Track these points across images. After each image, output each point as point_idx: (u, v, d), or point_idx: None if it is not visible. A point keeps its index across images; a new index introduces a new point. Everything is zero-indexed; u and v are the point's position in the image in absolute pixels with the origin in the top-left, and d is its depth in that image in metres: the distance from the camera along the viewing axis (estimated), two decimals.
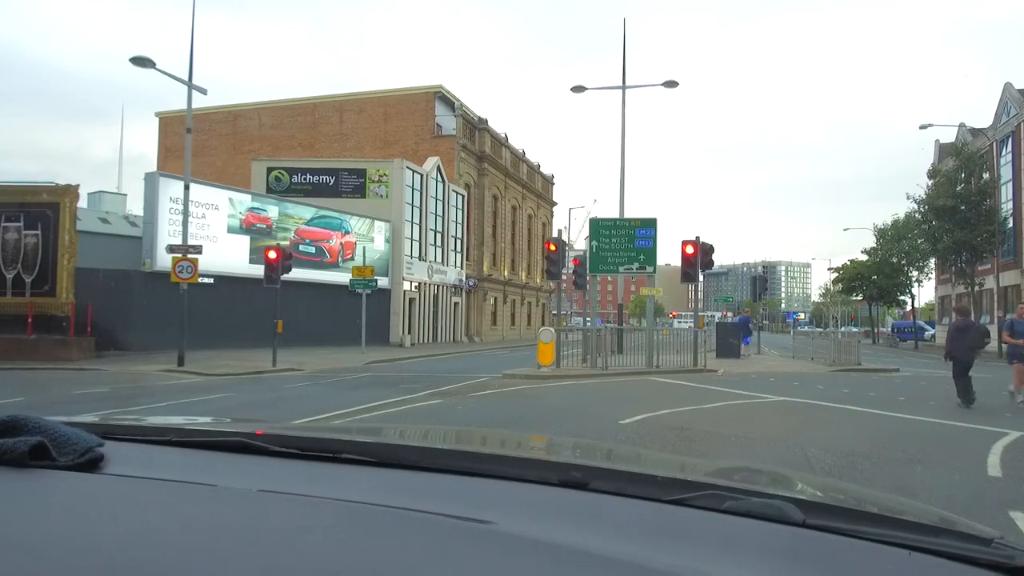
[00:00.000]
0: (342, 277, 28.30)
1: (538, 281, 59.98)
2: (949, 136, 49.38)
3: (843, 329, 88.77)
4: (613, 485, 1.02)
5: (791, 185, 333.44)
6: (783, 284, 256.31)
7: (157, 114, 49.60)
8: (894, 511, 1.00)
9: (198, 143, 46.19)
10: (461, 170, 42.89)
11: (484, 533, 0.80)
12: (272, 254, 18.93)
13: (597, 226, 17.46)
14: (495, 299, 48.08)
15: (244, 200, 26.80)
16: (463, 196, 42.33)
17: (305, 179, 34.44)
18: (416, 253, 35.70)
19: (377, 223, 32.67)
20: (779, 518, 0.87)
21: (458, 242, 41.52)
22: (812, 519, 0.86)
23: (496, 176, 47.98)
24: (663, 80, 25.91)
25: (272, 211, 27.82)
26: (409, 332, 34.17)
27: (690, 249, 17.72)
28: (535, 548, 0.75)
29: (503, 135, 49.88)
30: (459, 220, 41.74)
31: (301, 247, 28.86)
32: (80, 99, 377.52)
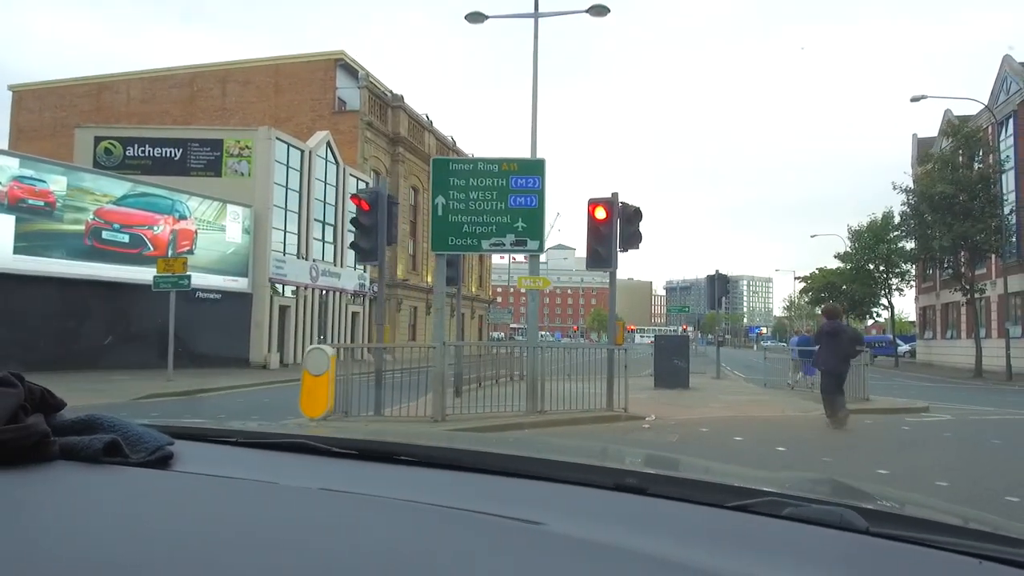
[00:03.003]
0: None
1: (473, 290, 52.80)
2: (932, 129, 43.78)
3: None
4: (669, 490, 1.00)
5: (752, 205, 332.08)
6: (745, 299, 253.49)
7: (11, 87, 41.44)
8: (964, 520, 0.98)
9: (55, 120, 38.35)
10: (367, 152, 35.61)
11: (535, 533, 0.79)
12: None
13: (445, 172, 10.36)
14: (414, 309, 40.69)
15: (9, 166, 19.13)
16: (368, 184, 34.93)
17: (144, 152, 26.83)
18: (292, 249, 28.23)
19: (231, 207, 25.15)
20: (841, 525, 0.84)
21: None
22: (876, 527, 0.83)
23: (415, 164, 40.68)
24: (588, 6, 19.16)
25: (58, 183, 20.17)
26: (279, 349, 26.65)
27: (601, 212, 10.74)
28: (587, 549, 0.74)
29: (425, 117, 42.73)
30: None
31: (106, 234, 21.27)
32: None
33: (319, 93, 36.12)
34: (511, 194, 10.21)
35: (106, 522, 0.77)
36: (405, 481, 1.05)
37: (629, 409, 10.70)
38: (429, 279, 42.57)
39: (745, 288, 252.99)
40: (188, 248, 23.60)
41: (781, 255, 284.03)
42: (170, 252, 22.30)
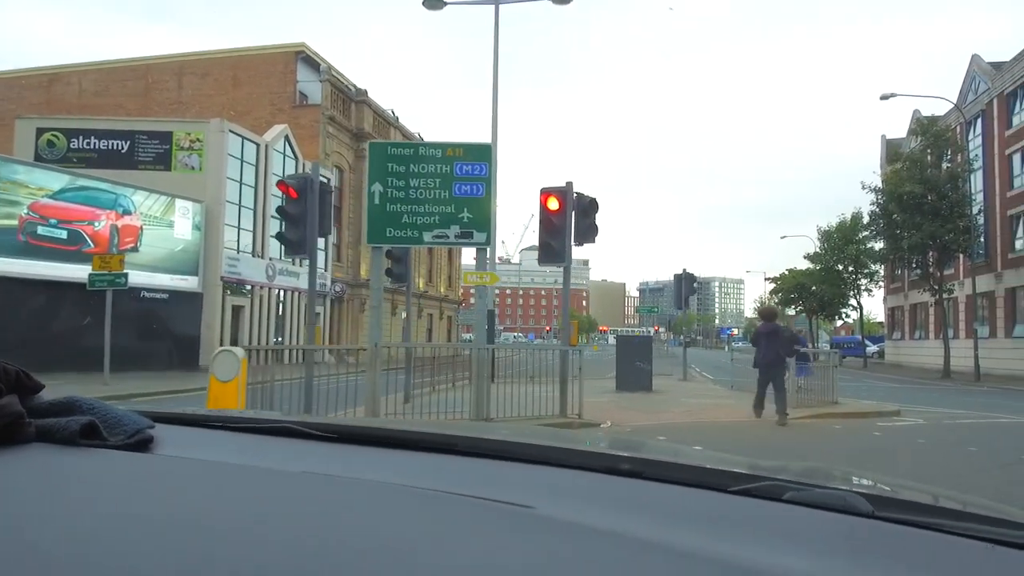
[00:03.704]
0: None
1: (442, 290, 51.90)
2: (901, 130, 43.75)
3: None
4: (666, 474, 0.99)
5: (725, 206, 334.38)
6: (717, 300, 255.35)
7: None
8: (973, 506, 0.95)
9: (2, 112, 36.82)
10: (329, 148, 34.52)
11: (524, 516, 0.78)
12: None
13: (383, 156, 9.46)
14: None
15: None
16: (330, 181, 33.84)
17: (89, 144, 25.54)
18: (247, 246, 27.11)
19: (181, 203, 23.98)
20: (845, 508, 0.82)
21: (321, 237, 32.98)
22: (881, 511, 0.81)
23: None
24: None
25: None
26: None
27: (553, 203, 9.94)
28: (579, 533, 0.73)
29: (391, 113, 41.73)
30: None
31: (42, 230, 20.05)
32: None
33: (279, 86, 34.99)
34: (456, 182, 9.40)
35: (83, 505, 0.75)
36: (389, 465, 1.03)
37: (584, 414, 9.93)
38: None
39: (717, 289, 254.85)
40: (132, 245, 22.44)
41: (752, 256, 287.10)
42: (113, 249, 21.12)
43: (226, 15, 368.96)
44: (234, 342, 25.95)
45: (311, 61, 35.71)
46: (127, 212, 22.50)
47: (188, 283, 24.19)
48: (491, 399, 9.71)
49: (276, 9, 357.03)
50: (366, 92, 38.07)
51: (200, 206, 24.63)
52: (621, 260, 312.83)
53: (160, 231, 23.40)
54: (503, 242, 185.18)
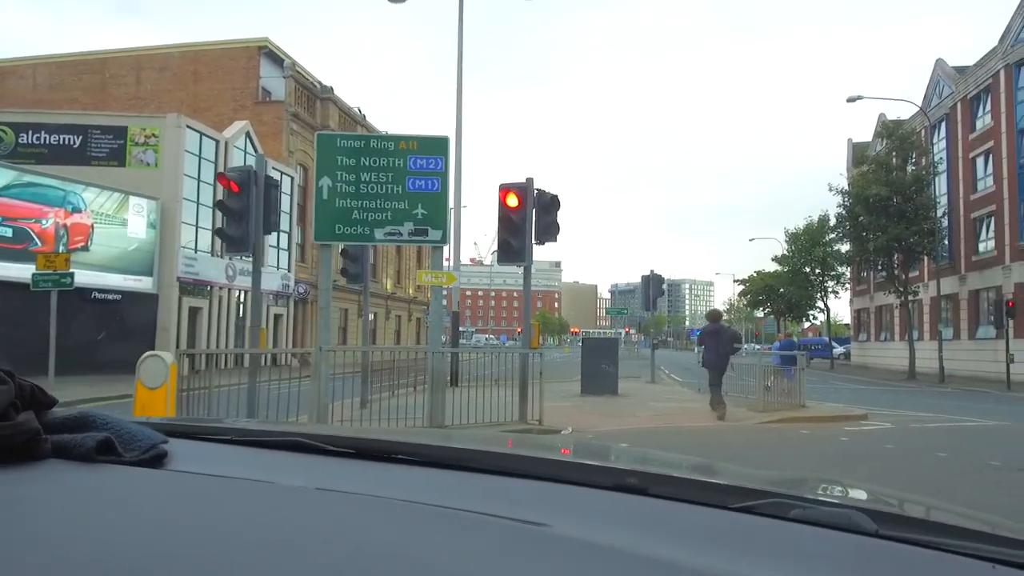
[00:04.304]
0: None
1: (411, 292, 51.23)
2: (867, 134, 44.07)
3: (746, 346, 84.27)
4: (673, 491, 0.99)
5: (696, 208, 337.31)
6: (687, 302, 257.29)
7: None
8: (978, 523, 0.96)
9: None
10: (292, 145, 33.76)
11: (540, 536, 0.78)
12: None
13: (331, 149, 8.94)
14: (344, 311, 38.89)
15: None
16: (294, 179, 33.10)
17: (39, 139, 24.52)
18: (205, 246, 26.26)
19: (135, 200, 23.13)
20: (849, 527, 0.83)
21: (284, 236, 32.20)
22: (885, 529, 0.81)
23: None
24: None
25: None
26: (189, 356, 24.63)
27: (513, 200, 9.50)
28: (593, 551, 0.74)
29: (358, 111, 41.01)
30: (286, 209, 32.39)
31: None
32: None
33: (241, 82, 34.13)
34: (410, 176, 8.92)
35: (100, 521, 0.76)
36: (403, 481, 1.04)
37: (545, 420, 9.51)
38: None
39: (688, 291, 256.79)
40: (83, 244, 21.58)
41: (723, 258, 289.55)
42: (61, 248, 20.25)
43: (194, 12, 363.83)
44: (191, 345, 25.13)
45: (275, 57, 34.93)
46: (77, 209, 21.61)
47: (142, 284, 23.33)
48: (450, 404, 9.27)
49: (244, 6, 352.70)
50: (332, 89, 37.34)
51: (156, 203, 23.79)
52: (594, 262, 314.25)
53: (113, 229, 22.53)
54: (475, 243, 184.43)
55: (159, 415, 6.79)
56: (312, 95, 36.28)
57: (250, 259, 28.52)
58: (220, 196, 22.00)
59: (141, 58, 35.27)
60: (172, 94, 34.01)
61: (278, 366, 27.66)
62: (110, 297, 22.15)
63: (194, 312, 25.59)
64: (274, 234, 31.88)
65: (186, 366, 24.02)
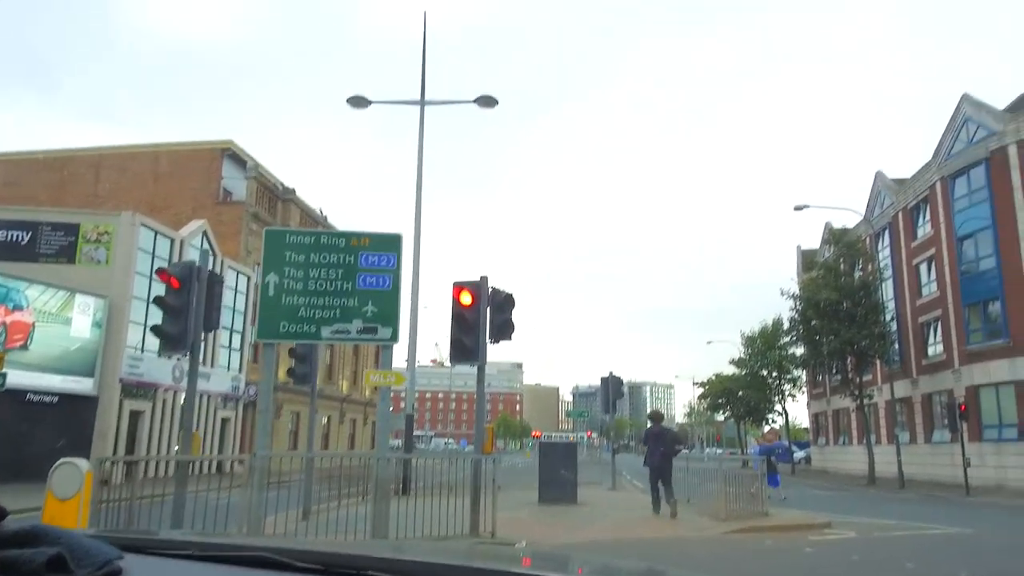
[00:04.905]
0: None
1: (366, 394, 50.04)
2: (815, 241, 45.74)
3: (707, 451, 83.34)
4: None
5: (653, 311, 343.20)
6: (649, 405, 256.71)
7: None
8: None
9: None
10: (251, 245, 33.50)
11: None
12: None
13: (280, 245, 8.72)
14: (296, 415, 37.62)
15: None
16: (251, 279, 32.65)
17: None
18: (154, 346, 25.33)
19: (81, 298, 22.45)
20: None
21: (236, 337, 31.43)
22: None
23: None
24: (475, 96, 18.59)
25: None
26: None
27: (466, 297, 9.34)
28: None
29: (319, 212, 41.26)
30: (241, 308, 31.81)
31: None
32: None
33: (202, 182, 34.22)
34: (360, 273, 8.73)
35: None
36: None
37: (498, 531, 8.97)
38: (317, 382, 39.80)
39: (649, 394, 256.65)
40: (21, 342, 20.69)
41: (682, 361, 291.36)
42: None
43: (163, 116, 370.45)
44: (130, 450, 23.88)
45: (238, 158, 35.24)
46: (19, 307, 20.82)
47: (82, 385, 22.31)
48: (397, 515, 8.70)
49: (213, 112, 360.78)
50: (294, 191, 37.66)
51: (104, 302, 23.11)
52: (556, 364, 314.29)
53: (55, 328, 21.71)
54: (436, 344, 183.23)
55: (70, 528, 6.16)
56: (274, 196, 36.49)
57: (203, 361, 27.57)
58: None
59: (102, 157, 35.30)
60: (131, 193, 33.87)
61: (223, 473, 26.30)
62: (46, 399, 21.08)
63: (136, 416, 24.43)
64: (225, 333, 31.30)
65: (120, 473, 22.81)
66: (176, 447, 26.10)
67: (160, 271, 9.29)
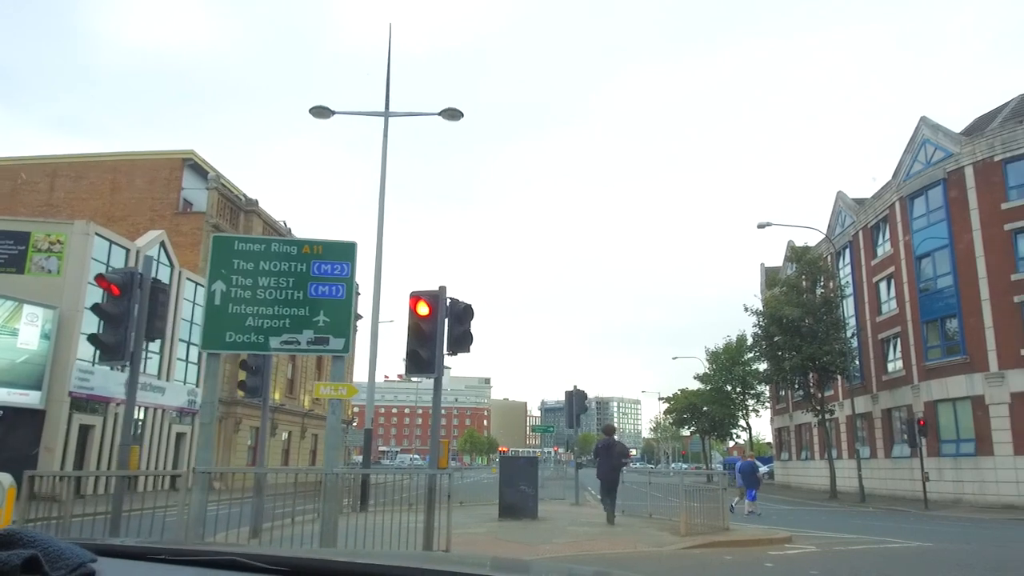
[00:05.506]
0: None
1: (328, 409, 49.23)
2: (778, 259, 46.34)
3: (674, 466, 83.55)
4: None
5: (619, 327, 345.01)
6: (616, 420, 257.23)
7: None
8: None
9: None
10: None
11: None
12: None
13: (227, 252, 8.41)
14: (254, 430, 36.74)
15: None
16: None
17: None
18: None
19: (29, 309, 21.68)
20: None
21: (194, 350, 30.63)
22: None
23: None
24: (441, 109, 18.42)
25: None
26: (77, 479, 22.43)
27: (423, 308, 9.12)
28: None
29: (283, 224, 40.63)
30: (199, 321, 30.99)
31: None
32: None
33: (162, 192, 33.50)
34: (312, 282, 8.44)
35: None
36: None
37: (453, 548, 8.68)
38: (277, 397, 38.96)
39: (616, 409, 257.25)
40: None
41: (649, 376, 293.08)
42: None
43: (126, 127, 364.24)
44: (79, 466, 23.02)
45: (199, 168, 34.58)
46: None
47: (28, 398, 21.49)
48: (348, 532, 8.39)
49: (177, 123, 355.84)
50: (256, 202, 37.04)
51: (54, 312, 22.35)
52: (524, 379, 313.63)
53: (1, 340, 20.90)
54: (403, 359, 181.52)
55: None
56: (236, 207, 35.85)
57: (153, 373, 26.86)
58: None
59: (58, 166, 34.40)
60: (87, 202, 33.06)
61: (177, 490, 25.38)
62: None
63: (85, 430, 23.59)
64: (183, 346, 30.50)
65: (68, 489, 21.91)
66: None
67: (99, 277, 8.89)
